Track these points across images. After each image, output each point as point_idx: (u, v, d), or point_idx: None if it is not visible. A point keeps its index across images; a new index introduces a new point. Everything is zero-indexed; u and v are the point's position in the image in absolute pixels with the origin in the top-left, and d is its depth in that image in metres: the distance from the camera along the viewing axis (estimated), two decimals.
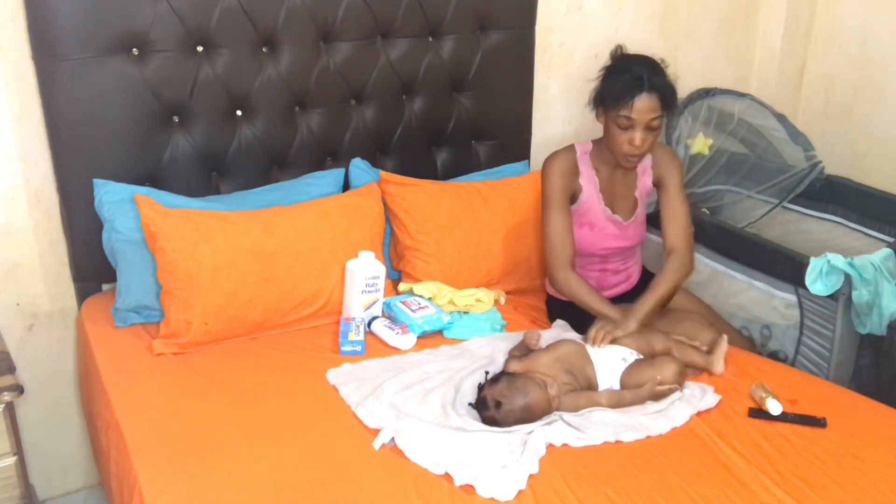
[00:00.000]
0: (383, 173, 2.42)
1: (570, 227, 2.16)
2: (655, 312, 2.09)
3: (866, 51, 2.96)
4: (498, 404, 1.73)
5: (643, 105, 1.99)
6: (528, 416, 1.74)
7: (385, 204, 2.37)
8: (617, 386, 1.88)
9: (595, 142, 2.21)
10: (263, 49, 2.27)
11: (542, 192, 2.19)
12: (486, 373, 1.86)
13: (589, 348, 1.94)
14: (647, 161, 2.21)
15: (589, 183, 2.18)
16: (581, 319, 2.12)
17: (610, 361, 1.91)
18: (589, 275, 2.25)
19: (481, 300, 2.29)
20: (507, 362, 1.92)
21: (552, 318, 2.27)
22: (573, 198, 2.19)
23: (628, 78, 2.00)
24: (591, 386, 1.88)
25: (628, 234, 2.22)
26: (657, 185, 2.22)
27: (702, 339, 2.04)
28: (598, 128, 2.15)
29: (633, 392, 1.85)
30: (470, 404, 1.80)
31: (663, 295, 2.11)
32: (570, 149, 2.20)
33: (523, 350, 1.98)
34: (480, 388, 1.81)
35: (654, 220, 2.31)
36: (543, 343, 1.99)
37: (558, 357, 1.89)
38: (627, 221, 2.21)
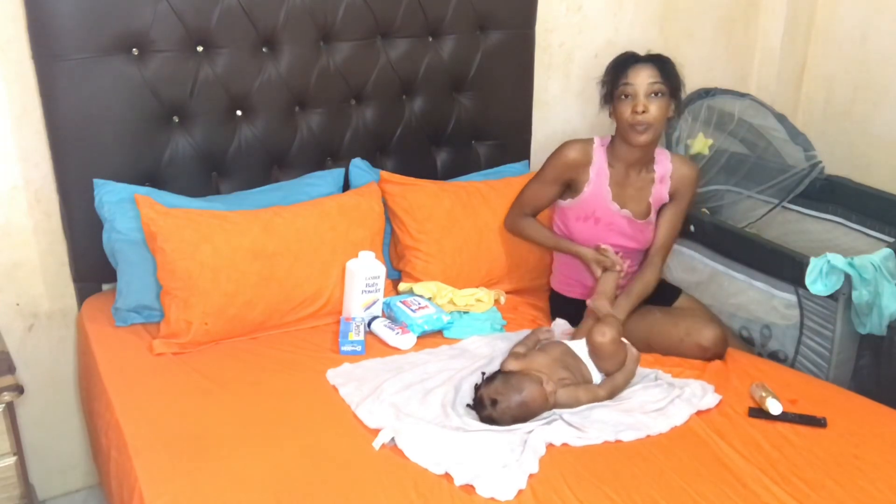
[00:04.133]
0: (384, 173, 2.42)
1: (544, 200, 2.28)
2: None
3: (866, 51, 2.96)
4: (494, 402, 1.74)
5: (641, 72, 2.07)
6: (525, 412, 1.74)
7: (385, 204, 2.37)
8: (596, 368, 1.92)
9: (614, 137, 2.21)
10: (263, 49, 2.27)
11: (542, 165, 2.26)
12: (483, 373, 1.87)
13: (570, 343, 1.97)
14: (667, 169, 2.21)
15: (599, 175, 2.19)
16: (582, 317, 2.12)
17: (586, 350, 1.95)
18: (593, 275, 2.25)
19: (481, 300, 2.29)
20: (504, 362, 1.92)
21: (554, 316, 2.27)
22: (576, 187, 2.21)
23: (626, 56, 2.11)
24: (587, 380, 1.90)
25: (636, 235, 2.22)
26: (670, 196, 2.24)
27: (705, 336, 2.04)
28: (599, 127, 2.16)
29: (621, 373, 1.89)
30: (468, 405, 1.80)
31: (636, 303, 2.17)
32: (589, 140, 2.24)
33: (529, 346, 1.99)
34: (477, 388, 1.81)
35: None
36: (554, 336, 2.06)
37: (554, 357, 1.91)
38: (640, 221, 2.21)
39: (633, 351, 1.93)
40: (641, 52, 2.13)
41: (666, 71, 2.07)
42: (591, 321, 2.04)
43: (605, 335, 1.88)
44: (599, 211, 2.19)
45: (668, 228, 2.25)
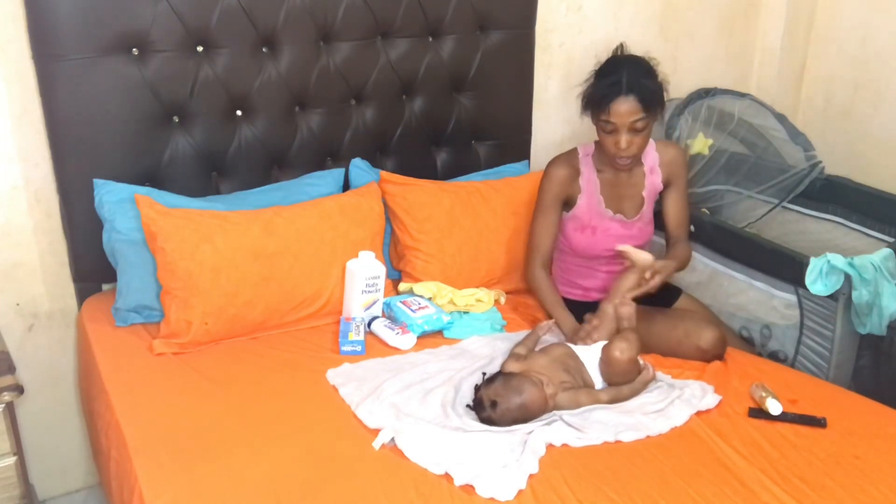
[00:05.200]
0: (384, 173, 2.42)
1: (553, 230, 2.22)
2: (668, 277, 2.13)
3: (866, 51, 2.96)
4: (493, 404, 1.73)
5: (622, 108, 1.99)
6: (525, 414, 1.74)
7: (385, 204, 2.37)
8: (600, 377, 1.89)
9: (597, 142, 2.21)
10: (263, 49, 2.27)
11: (538, 193, 2.23)
12: (483, 374, 1.86)
13: (574, 347, 1.95)
14: (654, 159, 2.22)
15: (589, 185, 2.19)
16: (581, 320, 2.12)
17: (595, 357, 1.91)
18: (596, 276, 2.25)
19: (481, 300, 2.29)
20: (504, 363, 1.92)
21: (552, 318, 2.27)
22: (571, 201, 2.21)
23: (606, 82, 2.02)
24: (588, 385, 1.88)
25: (633, 232, 2.22)
26: (665, 184, 2.23)
27: (703, 338, 2.04)
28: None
29: (628, 386, 1.86)
30: (468, 406, 1.80)
31: (674, 268, 2.15)
32: (573, 152, 2.23)
33: (529, 345, 1.98)
34: (477, 388, 1.81)
35: (657, 223, 2.32)
36: (548, 338, 2.02)
37: (555, 358, 1.90)
38: (632, 220, 2.21)
39: (649, 372, 1.90)
40: (640, 51, 2.12)
41: (648, 99, 2.01)
42: (595, 322, 2.02)
43: (623, 353, 1.85)
44: (595, 220, 2.20)
45: (678, 209, 2.25)
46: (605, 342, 1.93)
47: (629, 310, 2.00)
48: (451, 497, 1.50)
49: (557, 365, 1.87)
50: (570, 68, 2.86)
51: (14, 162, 2.14)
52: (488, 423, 1.73)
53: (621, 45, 2.12)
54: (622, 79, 1.99)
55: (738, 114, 2.78)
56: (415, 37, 2.46)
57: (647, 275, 2.04)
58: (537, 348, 2.00)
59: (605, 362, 1.88)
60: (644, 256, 2.08)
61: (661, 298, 2.26)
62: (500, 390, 1.75)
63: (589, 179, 2.19)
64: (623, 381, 1.87)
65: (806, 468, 1.61)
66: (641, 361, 1.92)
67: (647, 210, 2.24)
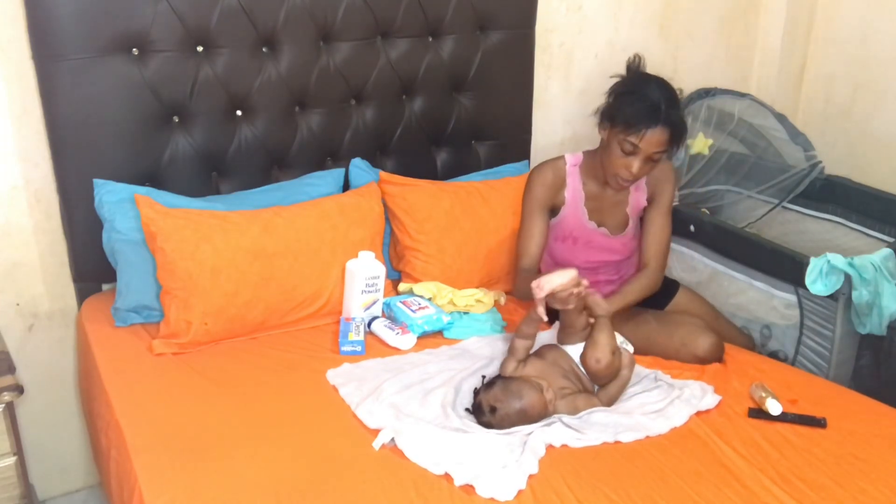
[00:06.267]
0: (383, 173, 2.42)
1: (539, 237, 2.17)
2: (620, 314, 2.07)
3: (866, 51, 2.96)
4: (493, 409, 1.72)
5: (654, 137, 1.95)
6: (525, 419, 1.73)
7: (385, 204, 2.37)
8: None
9: (587, 153, 2.19)
10: (263, 49, 2.27)
11: (522, 200, 2.21)
12: (483, 377, 1.86)
13: (566, 348, 1.93)
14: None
15: (574, 196, 2.18)
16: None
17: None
18: None
19: (481, 300, 2.29)
20: (504, 363, 1.90)
21: (552, 317, 2.26)
22: (555, 209, 2.20)
23: (646, 106, 1.95)
24: (586, 387, 1.88)
25: (616, 248, 2.21)
26: (649, 200, 2.21)
27: (700, 347, 2.03)
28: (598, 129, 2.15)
29: (615, 383, 1.85)
30: (466, 409, 1.79)
31: (630, 302, 2.12)
32: (560, 160, 2.20)
33: (529, 332, 1.92)
34: (476, 392, 1.80)
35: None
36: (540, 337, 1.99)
37: (552, 362, 1.89)
38: (616, 236, 2.20)
39: (626, 357, 1.88)
40: (641, 50, 2.11)
41: (677, 135, 1.98)
42: (577, 322, 1.97)
43: (599, 361, 1.84)
44: (577, 231, 2.19)
45: (656, 230, 2.20)
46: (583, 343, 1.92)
47: (594, 297, 1.91)
48: (451, 497, 1.50)
49: (556, 370, 1.87)
50: (570, 68, 2.86)
51: (14, 162, 2.14)
52: (487, 427, 1.72)
53: (638, 57, 2.07)
54: (661, 107, 1.94)
55: (738, 114, 2.78)
56: (415, 37, 2.46)
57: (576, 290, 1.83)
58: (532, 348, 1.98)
59: (587, 371, 1.87)
60: (559, 280, 1.85)
61: (658, 294, 2.26)
62: (500, 395, 1.74)
63: (574, 190, 2.17)
64: (609, 379, 1.87)
65: (806, 468, 1.61)
66: (621, 346, 1.90)
67: (632, 226, 2.23)
